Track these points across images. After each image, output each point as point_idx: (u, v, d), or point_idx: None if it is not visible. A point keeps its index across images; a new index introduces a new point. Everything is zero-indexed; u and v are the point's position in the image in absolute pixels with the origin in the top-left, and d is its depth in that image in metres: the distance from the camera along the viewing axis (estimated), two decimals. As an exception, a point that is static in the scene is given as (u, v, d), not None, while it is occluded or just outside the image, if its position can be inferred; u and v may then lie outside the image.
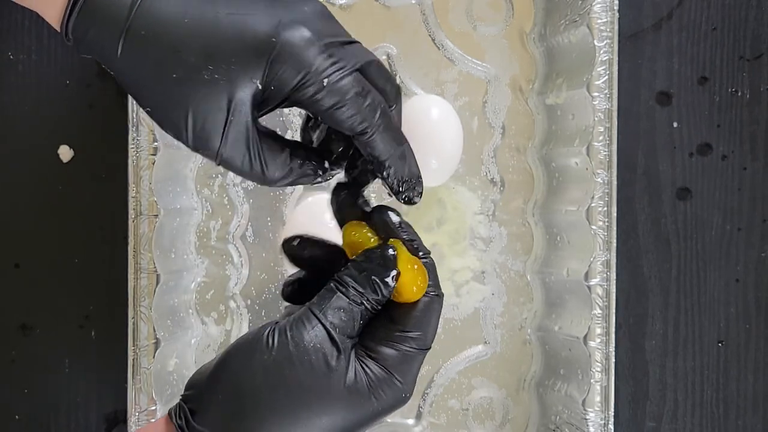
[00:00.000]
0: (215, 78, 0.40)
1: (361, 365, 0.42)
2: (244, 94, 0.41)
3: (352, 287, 0.43)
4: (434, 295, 0.44)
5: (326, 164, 0.45)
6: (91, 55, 0.41)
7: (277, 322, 0.43)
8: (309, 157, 0.44)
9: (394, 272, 0.43)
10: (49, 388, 0.64)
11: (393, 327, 0.43)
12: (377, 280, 0.43)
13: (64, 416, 0.64)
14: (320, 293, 0.43)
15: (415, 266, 0.44)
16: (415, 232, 0.46)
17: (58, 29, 0.41)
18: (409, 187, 0.45)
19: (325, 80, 0.41)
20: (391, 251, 0.44)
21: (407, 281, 0.44)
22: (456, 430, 0.63)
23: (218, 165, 0.42)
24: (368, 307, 0.43)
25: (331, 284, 0.43)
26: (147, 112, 0.42)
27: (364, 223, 0.46)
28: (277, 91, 0.41)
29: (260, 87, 0.41)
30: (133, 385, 0.58)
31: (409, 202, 0.46)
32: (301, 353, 0.41)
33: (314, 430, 0.41)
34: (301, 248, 0.47)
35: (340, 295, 0.43)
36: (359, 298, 0.43)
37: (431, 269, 0.45)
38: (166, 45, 0.40)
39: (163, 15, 0.40)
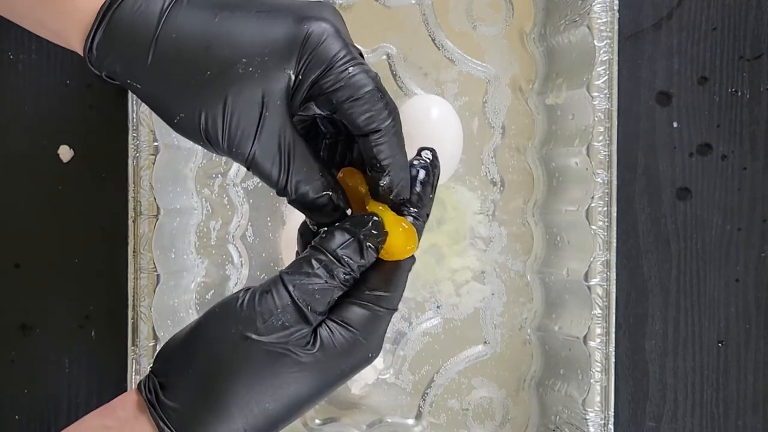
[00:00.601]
0: (249, 71, 0.41)
1: (328, 329, 0.42)
2: (278, 87, 0.41)
3: (337, 255, 0.42)
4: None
5: (348, 211, 0.45)
6: (115, 72, 0.41)
7: (248, 289, 0.42)
8: (336, 189, 0.44)
9: (381, 237, 0.43)
10: (49, 388, 0.64)
11: (363, 287, 0.43)
12: (367, 245, 0.43)
13: (64, 416, 0.64)
14: (295, 261, 0.43)
15: (405, 226, 0.44)
16: (424, 199, 0.46)
17: (81, 51, 0.42)
18: (398, 197, 0.45)
19: (350, 68, 0.42)
20: (375, 217, 0.43)
21: (399, 242, 0.44)
22: (456, 430, 0.63)
23: (248, 168, 0.42)
24: (346, 277, 0.42)
25: (308, 253, 0.43)
26: (176, 122, 0.42)
27: (359, 172, 0.45)
28: (304, 79, 0.41)
29: (293, 77, 0.41)
30: (133, 385, 0.58)
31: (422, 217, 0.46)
32: (269, 326, 0.41)
33: (284, 398, 0.42)
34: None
35: (316, 265, 0.42)
36: (337, 268, 0.42)
37: (418, 231, 0.45)
38: (198, 44, 0.41)
39: (192, 17, 0.41)
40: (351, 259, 0.42)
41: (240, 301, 0.42)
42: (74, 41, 0.42)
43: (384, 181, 0.44)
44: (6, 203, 0.64)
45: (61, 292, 0.64)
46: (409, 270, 0.45)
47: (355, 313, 0.43)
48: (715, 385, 0.64)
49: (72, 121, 0.64)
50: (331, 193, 0.43)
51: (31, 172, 0.64)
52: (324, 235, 0.43)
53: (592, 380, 0.58)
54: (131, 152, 0.59)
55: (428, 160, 0.47)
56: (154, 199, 0.58)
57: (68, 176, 0.64)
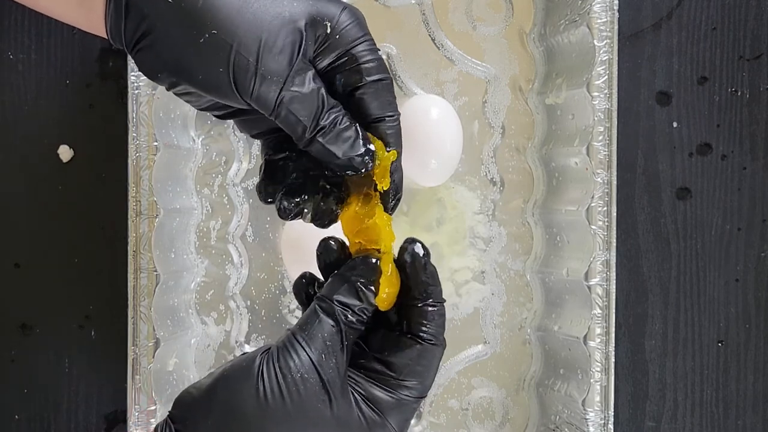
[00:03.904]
0: (294, 5, 0.41)
1: (355, 402, 0.42)
2: (315, 32, 0.42)
3: (337, 301, 0.42)
4: (433, 344, 0.44)
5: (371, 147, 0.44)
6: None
7: (269, 349, 0.42)
8: (359, 132, 0.44)
9: (374, 276, 0.43)
10: (49, 388, 0.64)
11: (389, 374, 0.43)
12: (360, 287, 0.43)
13: (64, 416, 0.64)
14: (303, 316, 0.43)
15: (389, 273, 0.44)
16: (437, 278, 0.45)
17: None
18: (397, 194, 0.45)
19: (379, 52, 0.43)
20: (373, 259, 0.44)
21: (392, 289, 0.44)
22: (456, 429, 0.63)
23: (276, 106, 0.41)
24: (354, 320, 0.42)
25: (314, 306, 0.43)
26: (203, 42, 0.40)
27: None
28: (341, 39, 0.42)
29: (329, 31, 0.42)
30: (133, 385, 0.58)
31: (393, 208, 0.46)
32: (288, 383, 0.41)
33: None
34: (308, 285, 0.46)
35: (323, 316, 0.42)
36: (344, 313, 0.42)
37: (438, 318, 0.44)
38: None
39: None
40: (349, 300, 0.42)
41: (261, 356, 0.42)
42: None
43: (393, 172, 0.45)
44: (6, 203, 0.64)
45: (61, 292, 0.64)
46: (439, 359, 0.44)
47: (382, 398, 0.42)
48: (715, 385, 0.64)
49: (72, 121, 0.64)
50: (354, 122, 0.43)
51: (31, 172, 0.64)
52: (323, 287, 0.44)
53: (592, 380, 0.58)
54: (131, 152, 0.59)
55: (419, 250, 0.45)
56: (155, 199, 0.58)
57: (68, 176, 0.64)
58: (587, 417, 0.58)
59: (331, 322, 0.42)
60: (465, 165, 0.63)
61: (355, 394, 0.42)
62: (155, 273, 0.58)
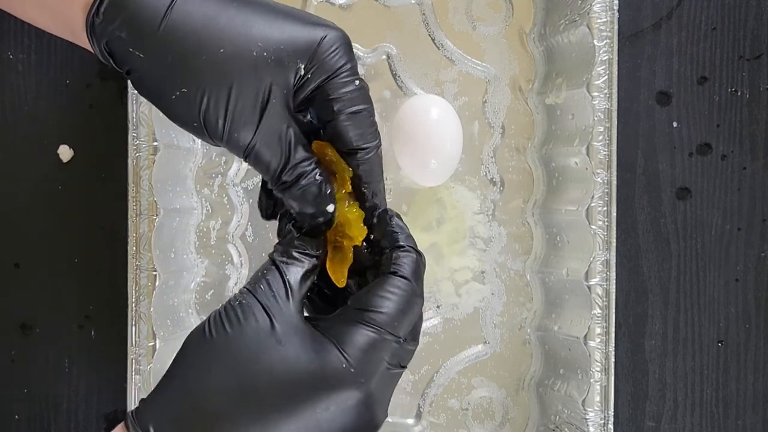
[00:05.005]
0: (263, 56, 0.41)
1: (305, 328, 0.41)
2: (287, 77, 0.41)
3: (274, 249, 0.43)
4: (401, 276, 0.42)
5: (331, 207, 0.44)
6: (119, 39, 0.41)
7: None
8: (327, 180, 0.44)
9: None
10: (49, 388, 0.64)
11: (348, 305, 0.43)
12: (288, 225, 0.44)
13: (64, 416, 0.64)
14: None
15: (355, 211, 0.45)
16: (404, 228, 0.45)
17: (83, 15, 0.41)
18: (385, 222, 0.46)
19: (357, 81, 0.43)
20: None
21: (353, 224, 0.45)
22: (456, 429, 0.63)
23: (245, 156, 0.42)
24: (295, 255, 0.42)
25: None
26: (174, 99, 0.41)
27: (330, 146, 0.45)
28: (312, 78, 0.42)
29: (302, 72, 0.41)
30: (133, 385, 0.58)
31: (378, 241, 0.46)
32: (228, 312, 0.41)
33: (267, 411, 0.40)
34: None
35: (264, 264, 0.43)
36: (282, 251, 0.43)
37: (407, 258, 0.43)
38: (216, 20, 0.40)
39: None
40: (282, 239, 0.44)
41: (210, 315, 0.42)
42: (78, 3, 0.41)
43: (369, 203, 0.45)
44: (6, 204, 0.64)
45: (61, 292, 0.64)
46: (411, 296, 0.43)
47: (336, 323, 0.42)
48: (715, 385, 0.64)
49: (72, 121, 0.64)
50: (322, 181, 0.43)
51: (31, 172, 0.64)
52: None
53: (591, 380, 0.58)
54: (131, 152, 0.59)
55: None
56: (155, 199, 0.58)
57: (68, 176, 0.64)
58: (587, 417, 0.58)
59: (270, 264, 0.42)
60: (465, 165, 0.63)
61: (307, 325, 0.42)
62: (155, 273, 0.58)
